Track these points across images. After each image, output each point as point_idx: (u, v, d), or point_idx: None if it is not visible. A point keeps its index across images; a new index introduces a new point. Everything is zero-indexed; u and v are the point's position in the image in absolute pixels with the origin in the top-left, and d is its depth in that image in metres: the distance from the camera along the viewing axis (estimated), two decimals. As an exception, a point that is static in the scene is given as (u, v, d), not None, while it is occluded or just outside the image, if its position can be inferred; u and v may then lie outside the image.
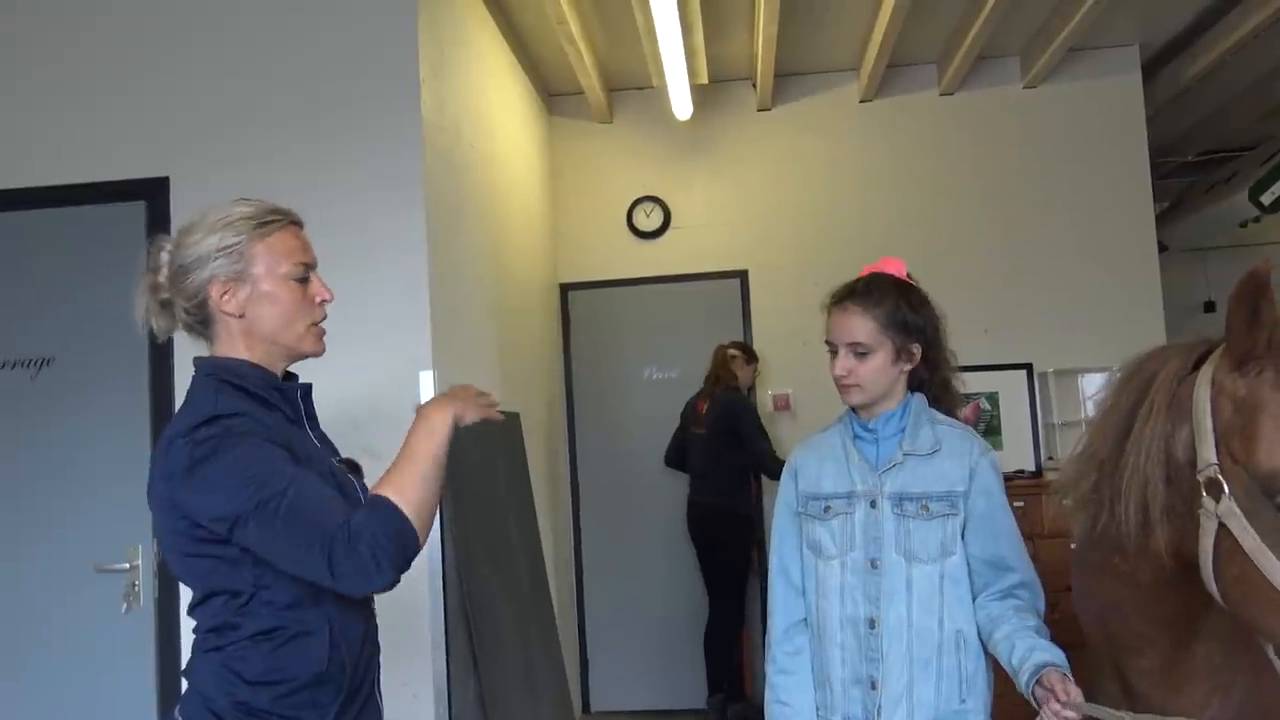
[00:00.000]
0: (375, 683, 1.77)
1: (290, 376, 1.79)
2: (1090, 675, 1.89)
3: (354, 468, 1.81)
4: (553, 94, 5.76)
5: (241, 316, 1.67)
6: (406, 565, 1.50)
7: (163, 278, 1.71)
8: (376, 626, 1.79)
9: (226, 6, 3.30)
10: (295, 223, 1.75)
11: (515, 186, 4.75)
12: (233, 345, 1.69)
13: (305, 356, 1.75)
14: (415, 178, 3.18)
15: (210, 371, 1.67)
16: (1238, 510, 1.42)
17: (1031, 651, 1.80)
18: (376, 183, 3.16)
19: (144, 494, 3.22)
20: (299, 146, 3.22)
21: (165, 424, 3.09)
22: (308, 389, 1.77)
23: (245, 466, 1.50)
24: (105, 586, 3.13)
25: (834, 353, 2.05)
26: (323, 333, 1.76)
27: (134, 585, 3.13)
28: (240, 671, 1.57)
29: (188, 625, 1.68)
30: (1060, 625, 1.98)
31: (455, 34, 3.71)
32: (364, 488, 1.77)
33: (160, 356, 3.18)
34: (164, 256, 1.71)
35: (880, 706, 1.94)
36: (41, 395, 3.24)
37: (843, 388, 2.04)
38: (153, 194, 3.25)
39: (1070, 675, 1.72)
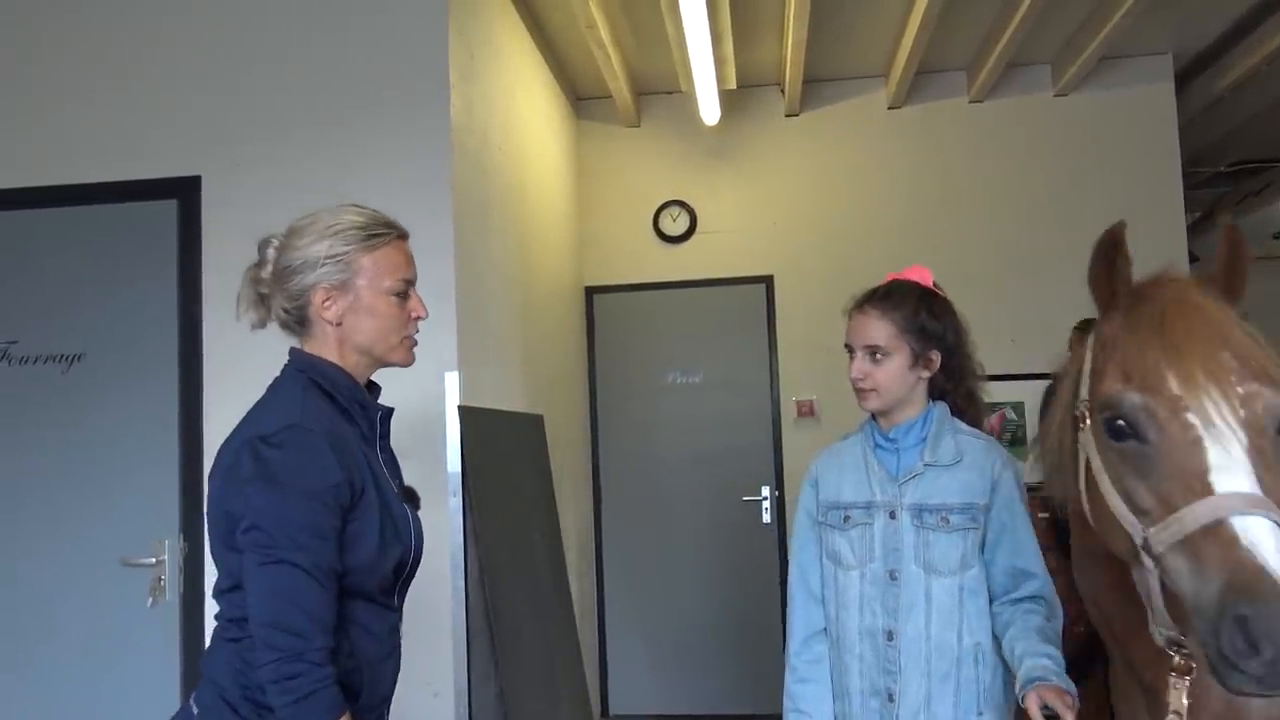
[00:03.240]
0: (389, 705, 1.78)
1: (373, 386, 1.81)
2: (1111, 676, 1.87)
3: (411, 495, 1.82)
4: (580, 97, 5.78)
5: (339, 325, 1.70)
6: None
7: (266, 273, 1.73)
8: (400, 651, 1.80)
9: (259, 10, 3.33)
10: (402, 236, 1.77)
11: (542, 189, 4.76)
12: (326, 348, 1.72)
13: (393, 366, 1.78)
14: (444, 180, 3.20)
15: (303, 368, 1.70)
16: (1091, 440, 1.53)
17: (1025, 657, 1.80)
18: (405, 185, 3.18)
19: (171, 489, 3.26)
20: (329, 148, 3.24)
21: (193, 421, 3.14)
22: (389, 413, 1.79)
23: (284, 515, 1.53)
24: (132, 580, 3.17)
25: (852, 356, 2.06)
26: (414, 344, 1.79)
27: (160, 580, 3.16)
28: (254, 662, 1.57)
29: (212, 619, 1.70)
30: (1084, 641, 1.96)
31: (485, 37, 3.73)
32: (418, 520, 1.78)
33: (190, 354, 3.22)
34: (270, 253, 1.73)
35: (898, 718, 1.93)
36: (72, 390, 3.28)
37: (859, 392, 2.04)
38: (185, 193, 3.29)
39: (1063, 683, 1.72)
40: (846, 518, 2.03)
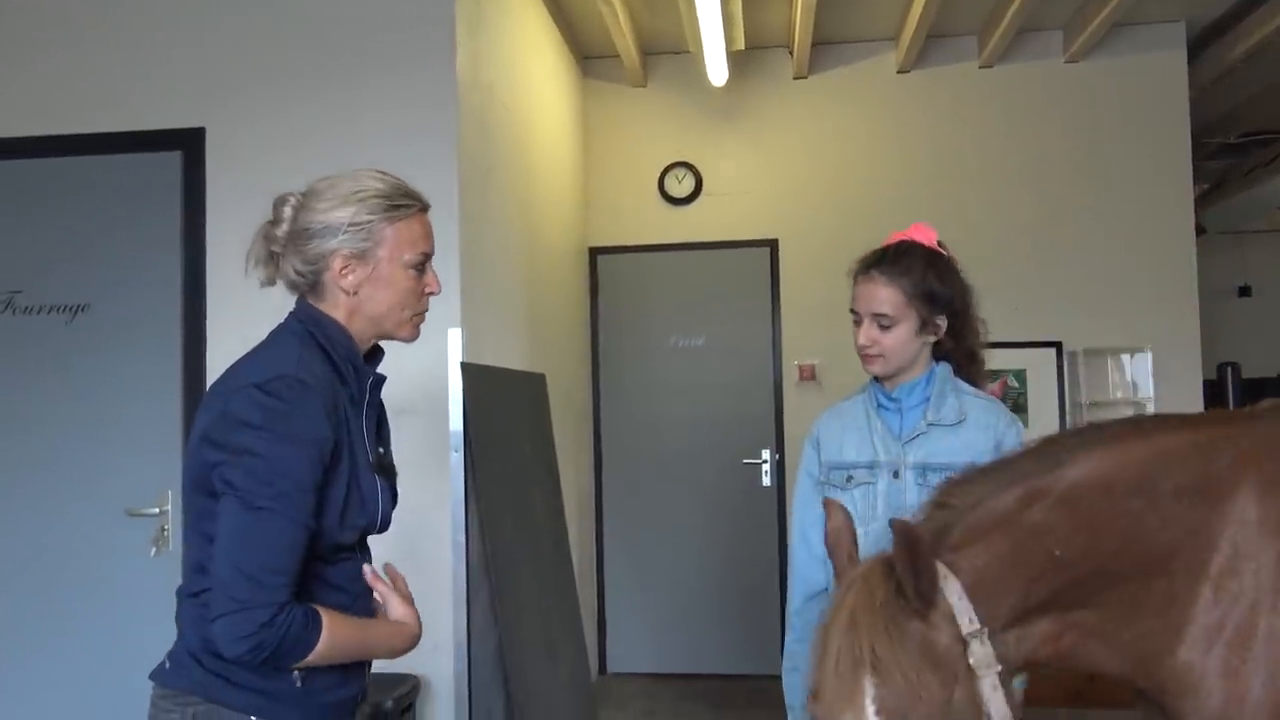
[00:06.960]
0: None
1: (377, 350, 1.79)
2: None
3: (384, 467, 1.79)
4: (587, 56, 5.73)
5: (354, 294, 1.68)
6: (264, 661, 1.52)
7: (281, 232, 1.69)
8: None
9: (265, -41, 3.31)
10: (424, 209, 1.74)
11: (547, 148, 4.74)
12: (336, 312, 1.69)
13: (398, 340, 1.76)
14: (448, 135, 3.18)
15: (305, 320, 1.68)
16: None
17: None
18: (409, 140, 3.16)
19: (175, 440, 3.26)
20: (333, 102, 3.22)
21: (197, 372, 3.13)
22: (380, 380, 1.77)
23: (270, 463, 1.51)
24: (136, 530, 3.20)
25: (858, 322, 2.03)
26: (422, 320, 1.77)
27: (164, 530, 3.19)
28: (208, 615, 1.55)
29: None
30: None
31: (492, -8, 3.69)
32: (393, 490, 1.77)
33: (194, 305, 3.23)
34: (287, 211, 1.69)
35: None
36: (77, 341, 3.29)
37: (866, 358, 2.02)
38: (189, 144, 3.28)
39: None
40: (849, 477, 2.03)
